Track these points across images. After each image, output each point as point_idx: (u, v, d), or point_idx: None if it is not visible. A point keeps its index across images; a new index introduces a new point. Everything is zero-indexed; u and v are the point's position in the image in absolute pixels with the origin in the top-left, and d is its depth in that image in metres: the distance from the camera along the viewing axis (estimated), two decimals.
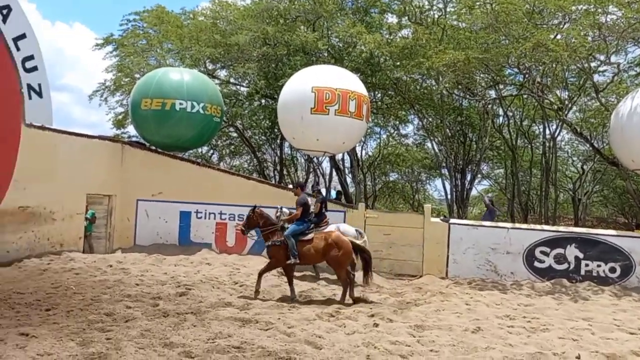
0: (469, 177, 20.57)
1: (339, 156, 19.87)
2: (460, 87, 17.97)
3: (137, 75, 20.02)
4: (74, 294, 8.36)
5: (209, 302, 8.14)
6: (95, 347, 5.53)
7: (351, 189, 21.09)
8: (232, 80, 21.30)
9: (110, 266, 11.13)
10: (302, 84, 12.80)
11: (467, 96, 19.12)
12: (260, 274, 9.13)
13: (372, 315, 7.72)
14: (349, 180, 21.93)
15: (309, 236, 8.99)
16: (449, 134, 19.88)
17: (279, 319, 7.21)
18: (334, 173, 20.63)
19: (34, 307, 7.37)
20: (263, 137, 23.29)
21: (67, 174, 11.83)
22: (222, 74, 21.08)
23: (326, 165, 20.85)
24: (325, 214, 10.98)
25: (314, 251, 8.88)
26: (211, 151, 24.03)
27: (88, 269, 10.63)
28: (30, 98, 11.36)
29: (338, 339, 6.38)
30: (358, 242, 9.89)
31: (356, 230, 11.16)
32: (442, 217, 13.99)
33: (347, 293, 8.81)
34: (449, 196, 19.58)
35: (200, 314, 7.30)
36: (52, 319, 6.74)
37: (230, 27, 18.33)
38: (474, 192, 21.92)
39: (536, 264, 11.74)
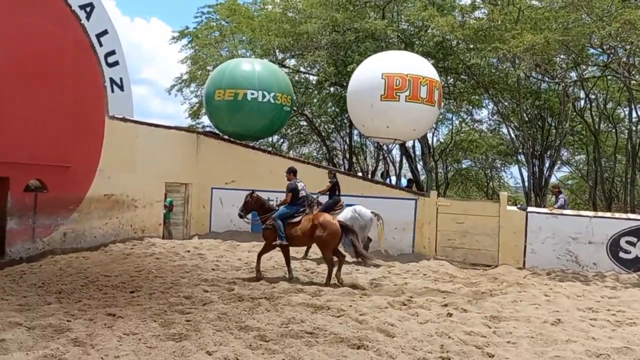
0: (547, 164, 19.65)
1: (409, 143, 19.56)
2: (538, 69, 17.15)
3: (209, 68, 20.61)
4: (155, 278, 8.77)
5: (281, 287, 8.29)
6: (176, 328, 5.77)
7: (422, 177, 20.74)
8: (301, 69, 21.46)
9: (188, 252, 11.60)
10: (371, 71, 12.68)
11: (546, 79, 18.22)
12: (259, 256, 9.40)
13: (446, 305, 7.57)
14: (419, 167, 21.58)
15: (297, 219, 9.15)
16: (526, 119, 19.05)
17: (350, 306, 7.21)
18: (404, 161, 20.35)
19: (119, 289, 7.79)
20: (332, 125, 23.34)
21: (147, 164, 12.39)
22: (292, 63, 21.29)
23: (396, 152, 20.60)
24: (339, 197, 11.18)
25: (301, 233, 9.04)
26: (281, 140, 24.36)
27: (167, 254, 11.13)
28: (112, 91, 11.94)
29: (411, 328, 6.30)
30: (378, 223, 10.74)
31: (372, 212, 11.23)
32: (518, 206, 13.47)
33: (333, 274, 8.84)
34: (525, 184, 18.80)
35: (273, 299, 7.44)
36: (136, 301, 7.10)
37: (299, 16, 18.43)
38: (553, 180, 20.94)
39: (621, 254, 11.06)
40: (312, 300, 7.48)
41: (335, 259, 8.98)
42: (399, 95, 12.31)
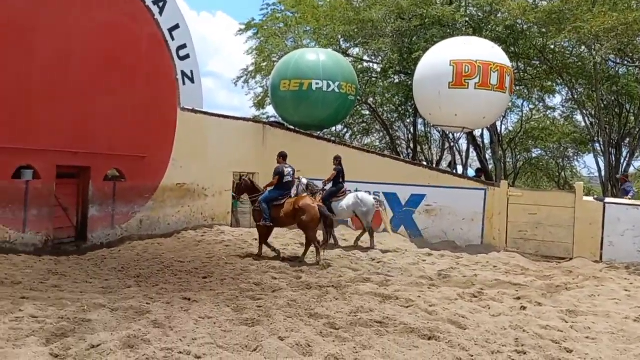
0: (625, 153, 18.57)
1: (477, 132, 19.04)
2: (617, 53, 16.18)
3: (274, 58, 20.86)
4: (226, 264, 9.03)
5: (348, 276, 8.32)
6: (248, 313, 5.92)
7: (490, 166, 20.15)
8: (365, 57, 21.32)
9: (255, 239, 11.83)
10: (439, 58, 12.42)
11: (625, 62, 17.17)
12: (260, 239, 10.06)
13: (519, 298, 7.35)
14: (488, 157, 20.95)
15: (281, 202, 9.70)
16: (603, 105, 18.06)
17: (419, 296, 7.14)
18: (472, 150, 19.84)
19: (192, 275, 8.09)
20: (395, 114, 23.06)
21: (216, 154, 12.73)
22: (355, 51, 21.18)
23: (463, 141, 20.10)
24: (343, 185, 11.51)
25: (284, 215, 9.62)
26: (345, 129, 24.34)
27: (236, 242, 11.42)
28: (184, 84, 12.33)
29: (483, 320, 6.17)
30: (380, 210, 11.27)
31: (374, 199, 11.42)
32: (595, 196, 12.84)
33: (308, 252, 9.56)
34: (602, 173, 17.86)
35: (341, 288, 7.48)
36: (209, 286, 7.34)
37: (364, 3, 18.28)
38: (631, 170, 19.75)
39: None
40: (380, 289, 7.46)
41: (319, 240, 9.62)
42: (468, 83, 11.99)
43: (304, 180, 11.64)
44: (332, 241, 10.99)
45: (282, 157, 10.12)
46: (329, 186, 11.71)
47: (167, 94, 11.94)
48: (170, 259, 9.29)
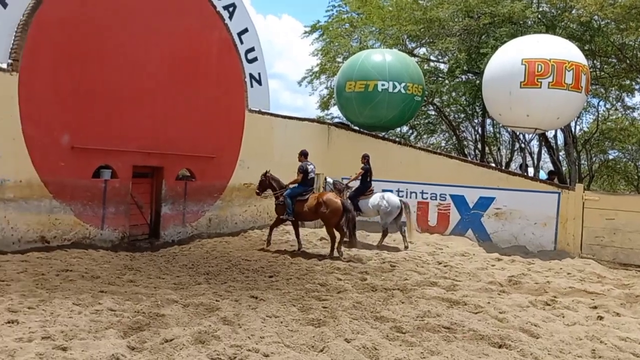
0: None
1: (550, 133, 18.29)
2: None
3: (339, 59, 20.90)
4: (291, 264, 9.14)
5: (414, 280, 8.21)
6: (314, 313, 5.96)
7: (563, 169, 19.29)
8: (431, 57, 20.97)
9: (320, 240, 11.91)
10: (510, 57, 12.02)
11: None
12: (271, 228, 10.72)
13: (595, 307, 7.01)
14: (561, 158, 20.07)
15: (306, 197, 10.28)
16: None
17: (489, 303, 6.95)
18: (544, 151, 19.07)
19: (259, 273, 8.24)
20: (462, 115, 22.54)
21: (282, 154, 12.91)
22: (422, 51, 20.87)
23: (535, 142, 19.35)
24: (370, 183, 11.71)
25: (308, 209, 10.18)
26: (410, 130, 24.04)
27: (301, 242, 11.50)
28: (251, 86, 12.60)
29: (557, 329, 5.92)
30: (404, 213, 11.37)
31: (400, 201, 11.53)
32: None
33: (335, 248, 9.95)
34: None
35: (406, 291, 7.40)
36: (275, 285, 7.45)
37: (430, 2, 17.99)
38: None
39: None
40: (447, 294, 7.32)
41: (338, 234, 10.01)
42: (540, 82, 11.53)
43: (330, 180, 12.02)
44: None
45: (304, 155, 10.70)
46: (355, 184, 11.97)
47: (236, 96, 12.25)
48: (237, 257, 9.51)
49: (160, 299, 6.20)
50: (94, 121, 9.52)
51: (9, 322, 5.00)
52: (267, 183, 10.68)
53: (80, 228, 9.36)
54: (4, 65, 8.49)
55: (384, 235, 11.56)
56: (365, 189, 11.70)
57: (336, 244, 9.98)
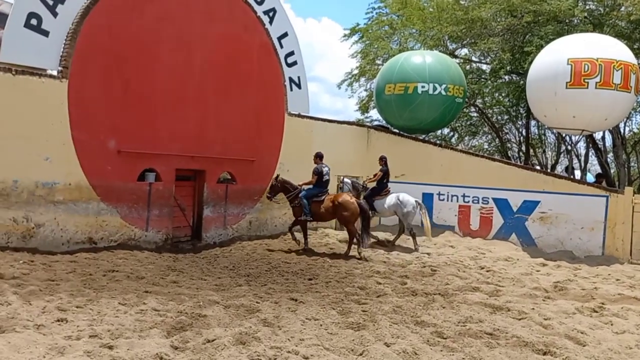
0: None
1: (598, 134, 17.69)
2: None
3: (378, 61, 20.80)
4: (330, 267, 9.15)
5: (455, 285, 8.09)
6: (354, 317, 5.95)
7: (612, 171, 18.62)
8: (473, 58, 20.62)
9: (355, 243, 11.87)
10: (555, 56, 11.70)
11: None
12: (290, 228, 10.91)
13: None
14: (609, 161, 19.38)
15: (322, 198, 10.61)
16: None
17: (533, 309, 6.78)
18: (591, 153, 18.45)
19: (299, 276, 8.28)
20: (505, 116, 22.06)
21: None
22: (463, 52, 20.56)
23: (582, 144, 18.76)
24: (387, 184, 11.92)
25: (324, 210, 10.57)
26: (451, 132, 23.70)
27: (340, 245, 11.53)
28: (291, 90, 12.70)
29: (604, 337, 5.73)
30: (420, 212, 11.70)
31: (415, 201, 11.74)
32: None
33: (352, 247, 10.43)
34: None
35: (448, 296, 7.29)
36: (315, 288, 7.47)
37: (472, 2, 17.70)
38: None
39: None
40: (490, 300, 7.18)
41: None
42: (587, 82, 11.18)
43: (348, 180, 12.21)
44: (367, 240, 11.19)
45: (319, 157, 10.95)
46: (372, 185, 12.19)
47: (276, 99, 12.37)
48: (277, 259, 9.59)
49: (202, 299, 6.32)
50: (139, 125, 9.79)
51: (58, 321, 5.20)
52: (278, 187, 10.87)
53: (126, 230, 9.63)
54: (55, 72, 8.84)
55: (414, 236, 11.55)
56: (381, 189, 11.94)
57: (360, 245, 10.34)
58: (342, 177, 12.07)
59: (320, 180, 10.70)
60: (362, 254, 10.18)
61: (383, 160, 12.10)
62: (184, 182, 10.79)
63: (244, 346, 4.82)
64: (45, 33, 8.71)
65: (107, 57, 9.32)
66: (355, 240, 10.42)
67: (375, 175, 12.10)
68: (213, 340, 4.90)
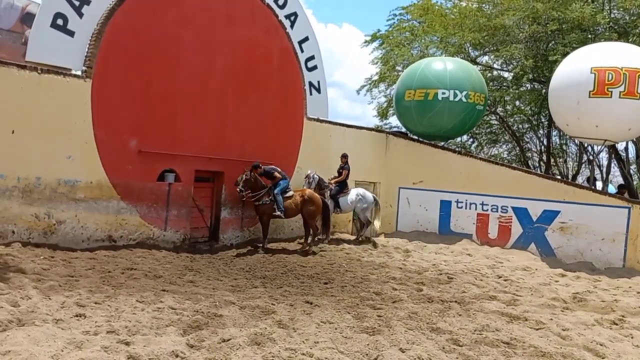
0: None
1: (621, 145, 17.42)
2: None
3: (398, 68, 20.75)
4: (346, 272, 9.13)
5: (472, 293, 8.01)
6: (369, 322, 5.93)
7: (635, 182, 18.30)
8: (495, 65, 20.47)
9: (376, 248, 11.86)
10: (578, 65, 11.55)
11: None
12: (265, 236, 11.02)
13: None
14: (632, 172, 19.04)
15: (289, 194, 11.04)
16: None
17: (551, 319, 6.68)
18: (613, 164, 18.16)
19: (314, 279, 8.29)
20: (527, 125, 21.83)
21: (339, 161, 12.91)
22: (484, 59, 20.42)
23: (604, 155, 18.49)
24: (347, 183, 12.60)
25: (294, 205, 11.03)
26: (471, 139, 23.52)
27: (356, 250, 11.50)
28: (310, 94, 12.73)
29: (624, 350, 5.63)
30: (375, 208, 12.92)
31: (373, 197, 12.78)
32: None
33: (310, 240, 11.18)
34: None
35: (464, 304, 7.23)
36: (330, 292, 7.47)
37: (495, 9, 17.59)
38: None
39: None
40: (507, 309, 7.10)
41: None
42: (611, 91, 11.02)
43: (317, 176, 12.19)
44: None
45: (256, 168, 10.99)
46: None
47: (295, 103, 12.41)
48: (293, 263, 9.60)
49: (218, 300, 6.35)
50: (160, 126, 9.89)
51: (77, 316, 5.27)
52: (251, 182, 10.60)
53: (144, 229, 9.73)
54: (79, 72, 8.99)
55: (367, 226, 12.77)
56: (345, 186, 12.56)
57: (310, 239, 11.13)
58: (312, 173, 12.05)
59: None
60: (311, 248, 10.86)
61: (345, 158, 12.67)
62: (202, 184, 10.87)
63: (259, 347, 4.83)
64: (71, 33, 8.88)
65: (130, 59, 9.46)
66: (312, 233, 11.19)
67: (341, 175, 12.54)
68: (228, 340, 4.92)
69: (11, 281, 6.15)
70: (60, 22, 8.75)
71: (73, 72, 8.96)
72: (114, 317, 5.35)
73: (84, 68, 8.99)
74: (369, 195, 12.77)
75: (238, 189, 10.50)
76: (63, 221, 8.69)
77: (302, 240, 11.60)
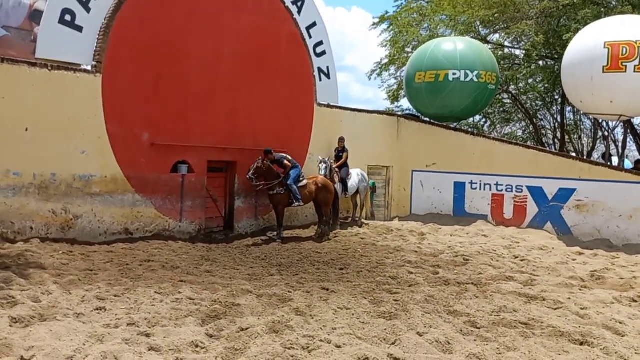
0: None
1: (636, 120, 17.16)
2: None
3: (408, 49, 20.54)
4: (362, 257, 9.15)
5: (489, 274, 7.99)
6: (386, 306, 5.94)
7: None
8: (505, 43, 20.19)
9: (392, 232, 11.86)
10: (592, 40, 11.36)
11: None
12: (280, 226, 10.85)
13: None
14: None
15: (304, 182, 10.93)
16: None
17: (569, 298, 6.65)
18: (629, 139, 17.92)
19: (330, 266, 8.32)
20: (540, 102, 21.58)
21: (351, 147, 12.87)
22: (495, 37, 20.14)
23: (619, 130, 18.24)
24: (348, 165, 12.48)
25: (309, 194, 10.97)
26: (483, 119, 23.30)
27: (371, 235, 11.51)
28: (320, 80, 12.67)
29: None
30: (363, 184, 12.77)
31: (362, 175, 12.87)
32: None
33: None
34: None
35: (481, 286, 7.22)
36: (346, 278, 7.49)
37: None
38: None
39: None
40: (524, 289, 7.08)
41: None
42: (625, 66, 10.83)
43: (329, 163, 12.02)
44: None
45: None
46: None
47: (305, 90, 12.36)
48: (308, 249, 9.64)
49: (235, 289, 6.41)
50: (171, 118, 9.92)
51: (97, 309, 5.35)
52: (263, 170, 10.44)
53: (160, 221, 9.81)
54: (89, 67, 9.02)
55: (361, 208, 13.04)
56: (348, 169, 12.50)
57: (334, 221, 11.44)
58: (325, 159, 11.94)
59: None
60: (328, 235, 10.95)
61: (343, 142, 12.52)
62: (215, 174, 10.91)
63: (277, 335, 4.88)
64: (79, 29, 8.90)
65: (139, 51, 9.46)
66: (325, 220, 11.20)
67: (341, 158, 12.42)
68: (247, 329, 4.97)
69: (32, 277, 6.26)
70: (68, 17, 8.77)
71: (83, 67, 8.99)
72: (134, 310, 5.42)
73: (93, 63, 9.02)
74: (366, 174, 13.06)
75: (248, 177, 10.44)
76: (80, 216, 8.79)
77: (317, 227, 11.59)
